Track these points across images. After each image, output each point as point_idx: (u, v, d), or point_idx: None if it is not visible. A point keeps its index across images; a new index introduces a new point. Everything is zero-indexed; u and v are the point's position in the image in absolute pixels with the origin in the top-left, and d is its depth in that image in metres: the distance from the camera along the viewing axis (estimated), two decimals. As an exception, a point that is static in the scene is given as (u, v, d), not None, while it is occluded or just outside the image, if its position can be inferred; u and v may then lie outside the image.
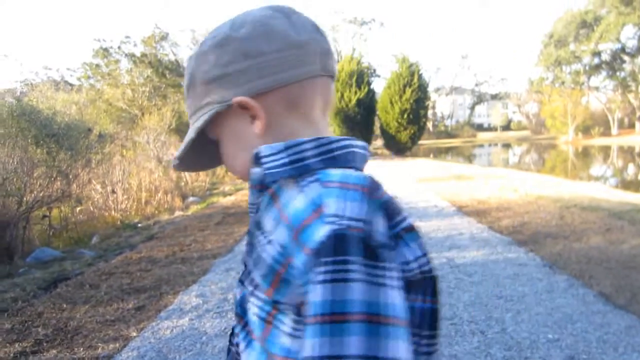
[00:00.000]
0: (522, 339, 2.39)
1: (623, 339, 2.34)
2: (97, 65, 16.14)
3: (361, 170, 0.57)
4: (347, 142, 0.57)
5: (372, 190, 0.51)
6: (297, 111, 0.59)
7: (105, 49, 16.16)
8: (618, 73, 48.76)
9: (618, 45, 46.16)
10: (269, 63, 0.57)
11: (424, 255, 0.54)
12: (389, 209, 0.52)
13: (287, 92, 0.58)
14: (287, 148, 0.55)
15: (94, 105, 13.59)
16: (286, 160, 0.55)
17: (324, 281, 0.45)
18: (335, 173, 0.52)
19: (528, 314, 2.70)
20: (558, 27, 47.69)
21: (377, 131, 26.34)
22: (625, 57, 46.89)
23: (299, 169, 0.54)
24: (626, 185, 14.22)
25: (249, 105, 0.57)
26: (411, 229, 0.54)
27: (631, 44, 46.02)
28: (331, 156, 0.55)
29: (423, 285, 0.54)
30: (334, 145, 0.56)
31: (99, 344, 2.58)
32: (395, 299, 0.45)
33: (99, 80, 16.14)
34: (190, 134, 0.61)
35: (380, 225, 0.49)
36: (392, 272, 0.47)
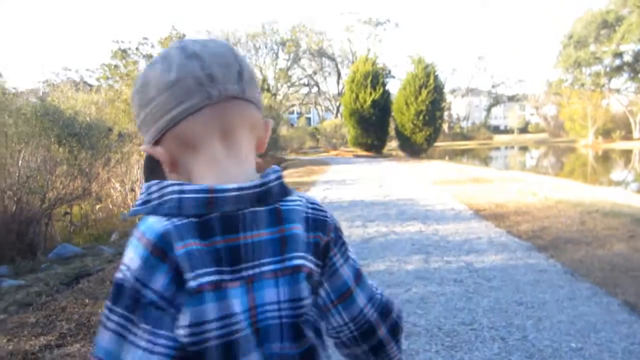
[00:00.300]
0: (544, 346, 2.36)
1: (650, 350, 2.30)
2: (116, 66, 16.32)
3: (193, 216, 0.56)
4: (174, 188, 0.56)
5: (156, 245, 0.53)
6: (191, 148, 0.59)
7: (124, 50, 16.34)
8: (640, 75, 47.77)
9: (640, 46, 45.24)
10: (155, 108, 0.59)
11: (231, 315, 0.55)
12: (182, 263, 0.53)
13: (178, 132, 0.59)
14: (146, 189, 0.58)
15: (112, 105, 13.75)
16: (143, 199, 0.58)
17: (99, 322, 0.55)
18: (146, 222, 0.55)
19: (550, 321, 2.67)
20: (578, 27, 46.87)
21: (392, 132, 26.21)
22: (648, 59, 45.91)
23: (148, 210, 0.57)
24: (648, 190, 13.92)
25: (148, 152, 0.62)
26: (218, 287, 0.54)
27: (654, 45, 45.04)
28: (159, 202, 0.56)
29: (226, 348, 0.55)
30: (164, 191, 0.57)
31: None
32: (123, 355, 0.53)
33: (117, 81, 16.34)
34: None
35: (153, 282, 0.52)
36: (139, 331, 0.52)
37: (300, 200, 0.67)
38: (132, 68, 16.79)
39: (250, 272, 0.58)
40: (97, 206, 7.27)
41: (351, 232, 5.38)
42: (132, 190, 7.70)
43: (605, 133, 46.39)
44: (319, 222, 0.67)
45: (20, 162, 5.82)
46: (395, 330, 0.72)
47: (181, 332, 0.53)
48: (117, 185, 7.77)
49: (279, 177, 0.66)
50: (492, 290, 3.23)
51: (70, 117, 6.46)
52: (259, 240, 0.60)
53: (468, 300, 3.07)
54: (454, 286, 3.35)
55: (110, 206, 7.46)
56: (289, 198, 0.66)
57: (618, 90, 51.00)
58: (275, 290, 0.59)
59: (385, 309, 0.72)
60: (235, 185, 0.59)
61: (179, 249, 0.53)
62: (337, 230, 0.69)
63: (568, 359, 2.23)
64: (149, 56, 17.24)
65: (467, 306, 2.96)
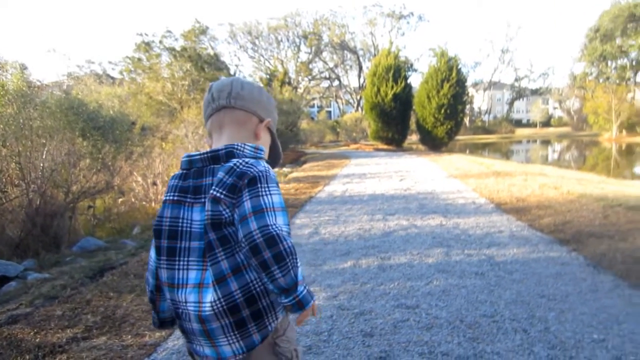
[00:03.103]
0: (567, 338, 2.34)
1: (674, 342, 2.27)
2: (139, 59, 16.57)
3: (183, 169, 1.24)
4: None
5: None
6: (210, 134, 1.32)
7: (147, 43, 16.57)
8: (667, 68, 46.34)
9: (669, 39, 43.85)
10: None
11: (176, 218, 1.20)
12: (168, 189, 1.23)
13: (207, 127, 1.34)
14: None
15: (135, 99, 13.98)
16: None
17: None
18: None
19: (572, 313, 2.64)
20: (604, 20, 45.64)
21: (413, 126, 26.02)
22: (676, 51, 44.48)
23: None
24: (676, 184, 13.53)
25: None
26: (173, 202, 1.20)
27: (683, 37, 43.59)
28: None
29: None
30: None
31: (146, 332, 2.68)
32: None
33: (140, 74, 16.59)
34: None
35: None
36: None
37: (241, 160, 1.15)
38: (155, 61, 17.05)
39: (196, 200, 1.16)
40: (120, 200, 7.42)
41: (372, 225, 5.39)
42: (154, 184, 7.84)
43: (630, 127, 45.14)
44: (240, 173, 1.11)
45: (44, 155, 5.96)
46: (278, 258, 1.03)
47: None
48: (140, 178, 7.91)
49: (229, 148, 1.18)
50: (513, 283, 3.20)
51: (94, 110, 6.59)
52: (205, 184, 1.16)
53: (490, 292, 3.05)
54: (475, 279, 3.33)
55: (133, 200, 7.60)
56: (232, 160, 1.15)
57: (645, 83, 49.58)
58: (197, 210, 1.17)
59: (272, 240, 1.03)
60: (201, 152, 1.20)
61: (170, 182, 1.23)
62: (253, 180, 1.10)
63: (590, 350, 2.21)
64: (172, 49, 17.49)
65: (488, 299, 2.95)
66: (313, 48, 44.28)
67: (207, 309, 1.10)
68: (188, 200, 1.16)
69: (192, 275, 1.13)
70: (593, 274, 3.33)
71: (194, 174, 1.18)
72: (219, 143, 1.22)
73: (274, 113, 1.35)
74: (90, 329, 2.75)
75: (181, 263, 1.15)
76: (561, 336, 2.37)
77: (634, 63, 46.83)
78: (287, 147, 20.96)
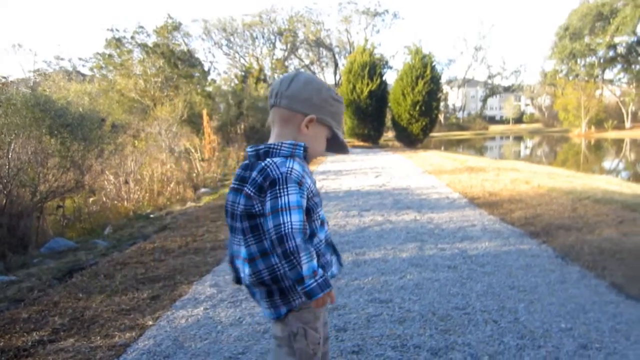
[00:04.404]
0: (535, 328, 2.39)
1: (635, 328, 2.34)
2: (110, 56, 16.18)
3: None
4: None
5: None
6: None
7: (118, 39, 16.20)
8: (633, 66, 47.92)
9: (634, 38, 45.31)
10: None
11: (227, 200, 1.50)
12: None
13: None
14: None
15: (106, 96, 13.67)
16: None
17: None
18: None
19: (541, 304, 2.70)
20: (573, 19, 46.88)
21: (389, 123, 26.21)
22: (641, 50, 46.02)
23: None
24: (639, 178, 14.04)
25: None
26: (230, 188, 1.47)
27: (647, 36, 45.13)
28: None
29: None
30: None
31: (116, 333, 2.62)
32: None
33: (112, 71, 16.21)
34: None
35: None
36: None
37: (270, 161, 1.34)
38: (126, 57, 16.67)
39: (242, 187, 1.39)
40: (91, 199, 7.23)
41: (347, 221, 5.40)
42: (127, 182, 7.68)
43: (598, 123, 46.62)
44: (266, 175, 1.32)
45: (10, 154, 5.75)
46: (284, 254, 1.25)
47: None
48: (111, 177, 7.73)
49: (267, 148, 1.39)
50: (485, 276, 3.26)
51: (62, 107, 6.40)
52: (247, 176, 1.39)
53: (462, 285, 3.09)
54: (448, 272, 3.38)
55: (104, 199, 7.42)
56: (268, 159, 1.35)
57: (611, 81, 51.26)
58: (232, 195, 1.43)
59: (281, 239, 1.24)
60: (253, 148, 1.43)
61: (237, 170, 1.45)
62: (273, 182, 1.30)
63: (558, 339, 2.26)
64: (144, 45, 17.12)
65: (460, 291, 2.98)
66: (288, 45, 44.10)
67: (247, 279, 1.42)
68: (239, 187, 1.41)
69: (242, 250, 1.41)
70: (561, 265, 3.41)
71: (246, 166, 1.43)
72: (271, 137, 1.45)
73: (327, 107, 1.47)
74: (58, 331, 2.67)
75: (235, 239, 1.44)
76: (530, 326, 2.42)
77: (601, 61, 48.27)
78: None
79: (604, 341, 2.22)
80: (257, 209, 1.34)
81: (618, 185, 8.30)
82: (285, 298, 1.41)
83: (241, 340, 2.45)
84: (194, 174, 10.57)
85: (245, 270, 1.40)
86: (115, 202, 7.47)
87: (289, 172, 1.31)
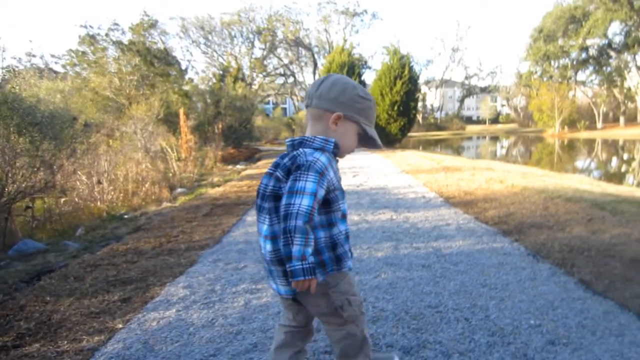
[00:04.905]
0: (505, 325, 2.43)
1: (601, 324, 2.40)
2: (84, 53, 15.80)
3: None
4: None
5: None
6: None
7: (92, 36, 15.83)
8: (604, 68, 49.29)
9: (605, 41, 46.60)
10: None
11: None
12: None
13: None
14: None
15: (79, 94, 13.34)
16: None
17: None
18: None
19: (511, 301, 2.74)
20: (547, 21, 47.95)
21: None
22: (612, 53, 47.37)
23: None
24: (609, 177, 14.45)
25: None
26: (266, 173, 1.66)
27: (618, 39, 46.49)
28: None
29: None
30: None
31: (84, 337, 2.55)
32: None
33: (85, 68, 15.83)
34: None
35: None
36: None
37: (302, 150, 1.53)
38: (100, 55, 16.30)
39: (275, 172, 1.57)
40: (62, 199, 7.04)
41: (322, 220, 5.39)
42: (100, 182, 7.51)
43: (571, 123, 47.82)
44: (295, 159, 1.50)
45: (-24, 153, 5.57)
46: (285, 231, 1.38)
47: None
48: (84, 177, 7.55)
49: (301, 139, 1.58)
50: (458, 274, 3.29)
51: (31, 105, 6.21)
52: (281, 162, 1.55)
53: (435, 284, 3.12)
54: (422, 271, 3.40)
55: (76, 199, 7.24)
56: (301, 148, 1.55)
57: (584, 83, 52.63)
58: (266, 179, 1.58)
59: (286, 217, 1.38)
60: (290, 139, 1.61)
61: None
62: (297, 167, 1.46)
63: (527, 335, 2.30)
64: (119, 43, 16.77)
65: (434, 290, 3.01)
66: (267, 44, 43.91)
67: (267, 255, 1.56)
68: (272, 171, 1.57)
69: (264, 228, 1.56)
70: (532, 263, 3.48)
71: (283, 155, 1.60)
72: (306, 134, 1.62)
73: (354, 105, 1.61)
74: (23, 336, 2.58)
75: (261, 217, 1.59)
76: (500, 323, 2.45)
77: (574, 63, 49.49)
78: (241, 144, 20.69)
79: (570, 337, 2.27)
80: (282, 191, 1.48)
81: (589, 184, 8.51)
82: None
83: (213, 342, 2.42)
84: (170, 174, 10.42)
85: (266, 247, 1.56)
86: (88, 202, 7.30)
87: (314, 161, 1.46)
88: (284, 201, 1.40)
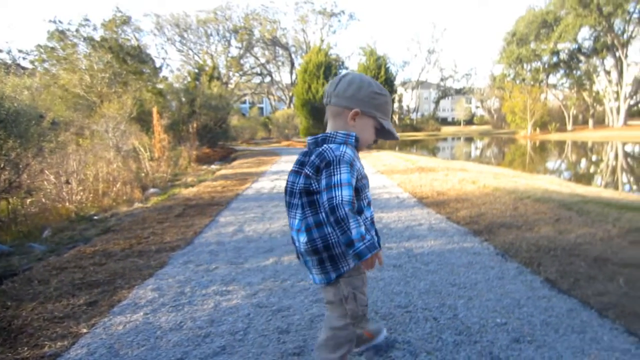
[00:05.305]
0: (472, 323, 2.46)
1: (564, 321, 2.45)
2: (53, 49, 15.36)
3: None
4: None
5: None
6: None
7: (62, 32, 15.40)
8: (574, 72, 50.70)
9: (575, 46, 47.96)
10: None
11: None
12: None
13: None
14: None
15: (48, 91, 12.95)
16: None
17: None
18: None
19: (479, 300, 2.78)
20: (520, 25, 49.04)
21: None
22: (581, 57, 48.79)
23: None
24: (578, 178, 14.87)
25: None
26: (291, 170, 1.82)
27: (587, 44, 47.92)
28: None
29: None
30: None
31: (46, 342, 2.47)
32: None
33: (55, 65, 15.39)
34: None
35: None
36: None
37: (327, 146, 1.63)
38: (70, 51, 15.85)
39: (301, 170, 1.70)
40: (28, 200, 6.82)
41: (296, 221, 5.38)
42: (68, 182, 7.30)
43: (543, 125, 49.04)
44: (323, 156, 1.60)
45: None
46: (336, 221, 1.51)
47: None
48: (52, 177, 7.34)
49: (324, 136, 1.69)
50: (428, 274, 3.32)
51: (-6, 102, 6.00)
52: (307, 160, 1.67)
53: (405, 284, 3.14)
54: (393, 271, 3.42)
55: (44, 200, 7.02)
56: (325, 145, 1.64)
57: (555, 86, 54.00)
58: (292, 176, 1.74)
59: (332, 210, 1.51)
60: (312, 137, 1.71)
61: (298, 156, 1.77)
62: (328, 163, 1.57)
63: (493, 334, 2.34)
64: (91, 39, 16.34)
65: (404, 290, 3.03)
66: (244, 43, 43.61)
67: (302, 247, 1.69)
68: (299, 170, 1.71)
69: (296, 222, 1.71)
70: (501, 262, 3.54)
71: (305, 153, 1.72)
72: (328, 129, 1.73)
73: (371, 101, 1.72)
74: (-20, 343, 2.49)
75: (292, 213, 1.73)
76: (467, 322, 2.49)
77: (546, 66, 50.76)
78: (216, 143, 20.48)
79: (535, 334, 2.32)
80: (314, 187, 1.64)
81: (558, 185, 8.73)
82: (335, 265, 1.68)
83: (180, 345, 2.38)
84: (143, 174, 10.23)
85: (300, 239, 1.69)
86: (56, 203, 7.09)
87: (342, 154, 1.59)
88: (325, 197, 1.53)
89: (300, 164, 1.71)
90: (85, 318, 2.80)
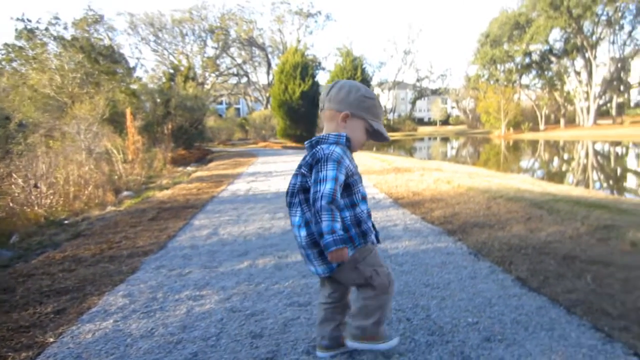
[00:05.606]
0: (445, 323, 2.48)
1: (533, 319, 2.50)
2: (21, 48, 14.91)
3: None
4: None
5: None
6: None
7: (31, 30, 14.96)
8: (546, 72, 51.98)
9: (546, 47, 49.16)
10: None
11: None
12: None
13: None
14: None
15: (16, 92, 12.57)
16: None
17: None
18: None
19: (452, 300, 2.81)
20: (494, 27, 50.02)
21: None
22: (553, 58, 50.04)
23: None
24: (550, 176, 15.23)
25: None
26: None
27: (558, 46, 49.20)
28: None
29: None
30: None
31: (9, 353, 2.39)
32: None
33: (24, 64, 14.95)
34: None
35: None
36: None
37: (320, 147, 1.83)
38: (40, 50, 15.40)
39: (299, 171, 1.88)
40: (-5, 204, 6.60)
41: (273, 224, 5.35)
42: (36, 186, 7.09)
43: (516, 125, 50.09)
44: (315, 155, 1.80)
45: None
46: (315, 213, 1.69)
47: None
48: (20, 180, 7.12)
49: (318, 138, 1.88)
50: (402, 275, 3.34)
51: (-43, 105, 5.78)
52: (303, 162, 1.86)
53: (380, 284, 3.14)
54: (368, 272, 3.42)
55: (11, 204, 6.81)
56: (319, 146, 1.84)
57: (527, 86, 55.24)
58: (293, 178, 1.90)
59: (312, 202, 1.71)
60: (309, 140, 1.92)
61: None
62: (317, 161, 1.77)
63: (465, 333, 2.36)
64: (61, 38, 15.90)
65: (378, 290, 3.03)
66: (220, 43, 43.21)
67: (303, 241, 1.86)
68: (297, 172, 1.89)
69: (296, 219, 1.88)
70: (473, 261, 3.58)
71: (305, 156, 1.88)
72: (323, 132, 1.91)
73: (360, 104, 1.88)
74: (-64, 354, 2.39)
75: (292, 212, 1.91)
76: (440, 322, 2.51)
77: (519, 67, 51.88)
78: (192, 145, 20.22)
79: (505, 333, 2.35)
80: (309, 184, 1.79)
81: (530, 184, 8.92)
82: None
83: (151, 353, 2.33)
84: (116, 177, 10.02)
85: (301, 234, 1.85)
86: (25, 207, 6.87)
87: (330, 152, 1.77)
88: (312, 190, 1.72)
89: (299, 167, 1.88)
90: (52, 327, 2.71)
